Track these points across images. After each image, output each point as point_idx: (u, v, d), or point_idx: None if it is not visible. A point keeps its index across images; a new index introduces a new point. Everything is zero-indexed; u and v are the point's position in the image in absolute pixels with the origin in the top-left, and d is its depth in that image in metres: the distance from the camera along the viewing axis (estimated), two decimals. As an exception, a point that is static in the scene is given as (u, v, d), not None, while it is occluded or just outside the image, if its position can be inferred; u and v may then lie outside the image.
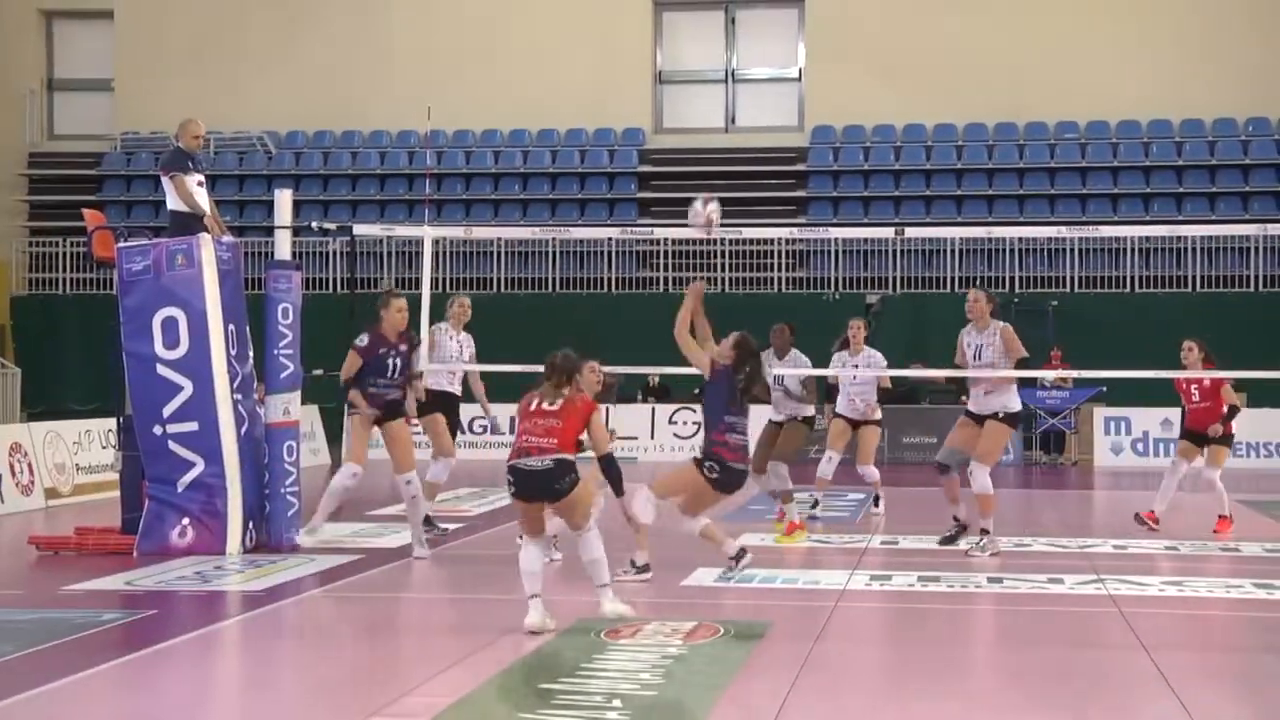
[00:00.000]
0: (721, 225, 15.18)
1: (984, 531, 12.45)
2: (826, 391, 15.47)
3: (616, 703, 7.27)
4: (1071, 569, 11.86)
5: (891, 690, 7.81)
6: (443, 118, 28.74)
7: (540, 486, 8.95)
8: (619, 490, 9.49)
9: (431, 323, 13.52)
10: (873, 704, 7.51)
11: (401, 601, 10.46)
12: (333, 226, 21.97)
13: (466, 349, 13.91)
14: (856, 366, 14.88)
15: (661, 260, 27.32)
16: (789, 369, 13.94)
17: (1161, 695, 7.54)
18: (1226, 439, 14.32)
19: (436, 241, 24.05)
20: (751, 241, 26.45)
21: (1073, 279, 26.22)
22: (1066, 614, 10.10)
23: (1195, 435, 14.38)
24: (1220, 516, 14.16)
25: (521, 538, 9.24)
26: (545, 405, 9.07)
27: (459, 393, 14.09)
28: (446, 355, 13.68)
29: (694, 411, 23.55)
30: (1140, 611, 9.92)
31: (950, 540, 12.83)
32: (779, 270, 27.04)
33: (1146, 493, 16.93)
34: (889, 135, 29.09)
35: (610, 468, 9.41)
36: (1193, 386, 14.33)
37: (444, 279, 26.30)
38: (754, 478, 12.80)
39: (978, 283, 26.08)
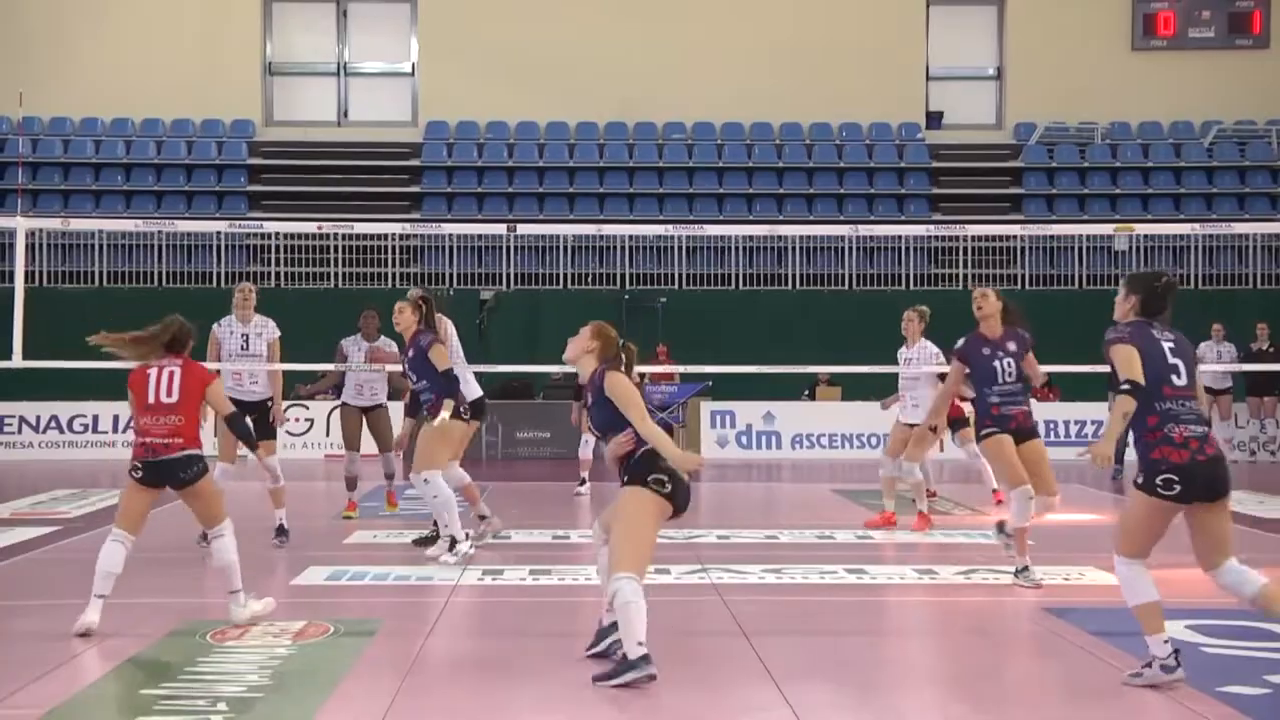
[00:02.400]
0: (333, 220, 15.16)
1: None
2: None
3: (221, 706, 7.11)
4: (678, 559, 12.18)
5: (499, 684, 7.87)
6: (38, 104, 27.51)
7: (166, 474, 8.99)
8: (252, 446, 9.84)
9: (25, 319, 12.92)
10: (481, 700, 7.55)
11: (-8, 610, 9.97)
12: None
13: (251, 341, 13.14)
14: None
15: (273, 255, 26.80)
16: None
17: (760, 680, 7.83)
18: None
19: (31, 233, 23.12)
20: (365, 237, 26.22)
21: (680, 276, 26.93)
22: (673, 603, 10.37)
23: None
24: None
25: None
26: (164, 398, 9.02)
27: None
28: (229, 350, 13.03)
29: (306, 408, 23.19)
30: (741, 599, 10.27)
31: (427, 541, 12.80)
32: (393, 266, 26.88)
33: (750, 484, 17.60)
34: (502, 132, 29.30)
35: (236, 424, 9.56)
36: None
37: (40, 272, 25.20)
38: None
39: (589, 279, 26.74)
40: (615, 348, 8.32)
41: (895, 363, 15.03)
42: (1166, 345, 7.56)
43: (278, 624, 8.98)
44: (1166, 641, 7.50)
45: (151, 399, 9.08)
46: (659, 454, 7.72)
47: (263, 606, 9.08)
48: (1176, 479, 7.34)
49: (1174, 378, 7.47)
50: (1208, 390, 23.72)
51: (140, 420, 9.12)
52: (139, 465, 9.11)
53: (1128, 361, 7.46)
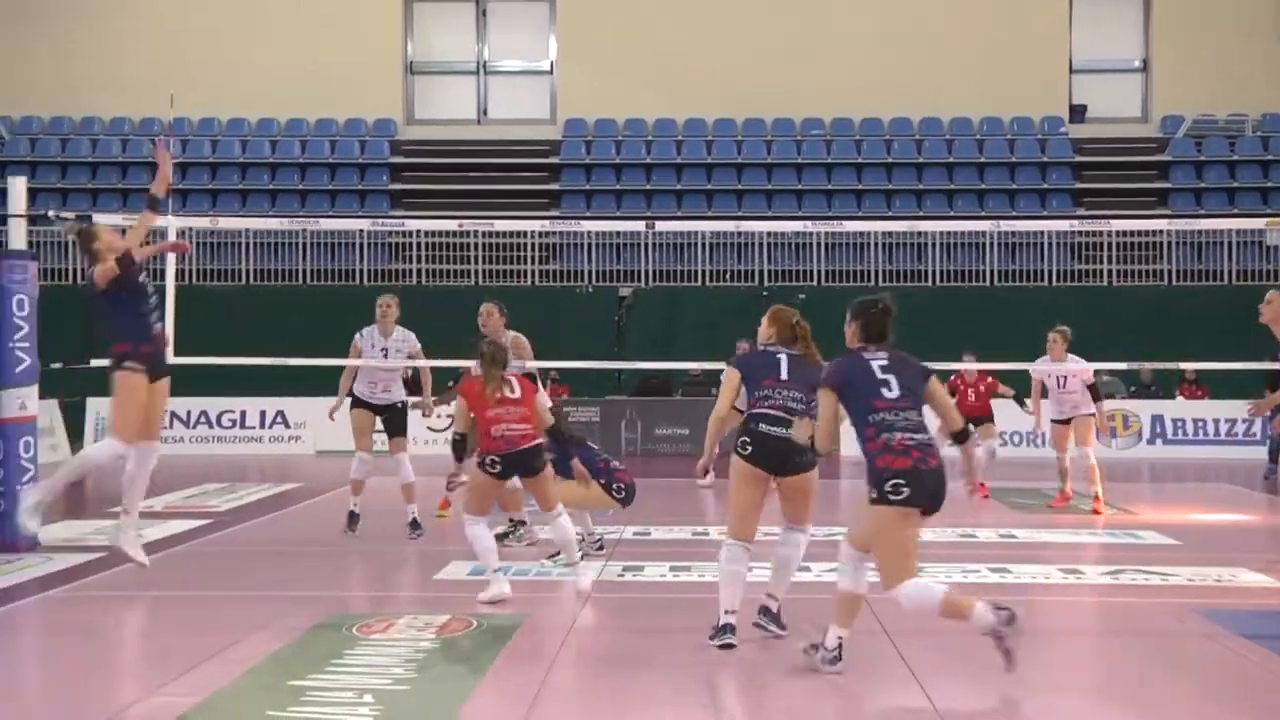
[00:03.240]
0: (474, 217, 15.36)
1: None
2: None
3: (368, 698, 7.20)
4: (820, 557, 12.11)
5: (641, 679, 7.88)
6: (187, 105, 28.11)
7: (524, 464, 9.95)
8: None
9: (176, 317, 13.21)
10: (623, 695, 7.57)
11: (145, 600, 10.17)
12: (71, 215, 21.31)
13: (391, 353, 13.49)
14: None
15: (413, 252, 27.12)
16: None
17: (903, 680, 7.76)
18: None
19: (181, 232, 23.60)
20: (504, 234, 26.43)
21: (819, 272, 26.79)
22: (813, 601, 10.30)
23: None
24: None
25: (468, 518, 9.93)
26: (507, 394, 9.89)
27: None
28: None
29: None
30: (883, 597, 10.17)
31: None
32: (531, 263, 27.06)
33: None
34: (640, 129, 29.37)
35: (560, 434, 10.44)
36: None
37: (189, 270, 25.72)
38: None
39: (728, 276, 26.72)
40: (789, 329, 8.86)
41: (1032, 359, 15.06)
42: (876, 364, 7.96)
43: (422, 618, 9.08)
44: (840, 639, 7.74)
45: (499, 396, 9.91)
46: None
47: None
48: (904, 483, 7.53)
49: (884, 390, 7.80)
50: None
51: (489, 418, 9.87)
52: (496, 459, 9.89)
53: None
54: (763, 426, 8.51)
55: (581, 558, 10.51)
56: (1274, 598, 10.46)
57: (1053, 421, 15.78)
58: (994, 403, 17.54)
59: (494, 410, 9.84)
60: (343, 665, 7.92)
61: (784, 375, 8.71)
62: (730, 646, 8.31)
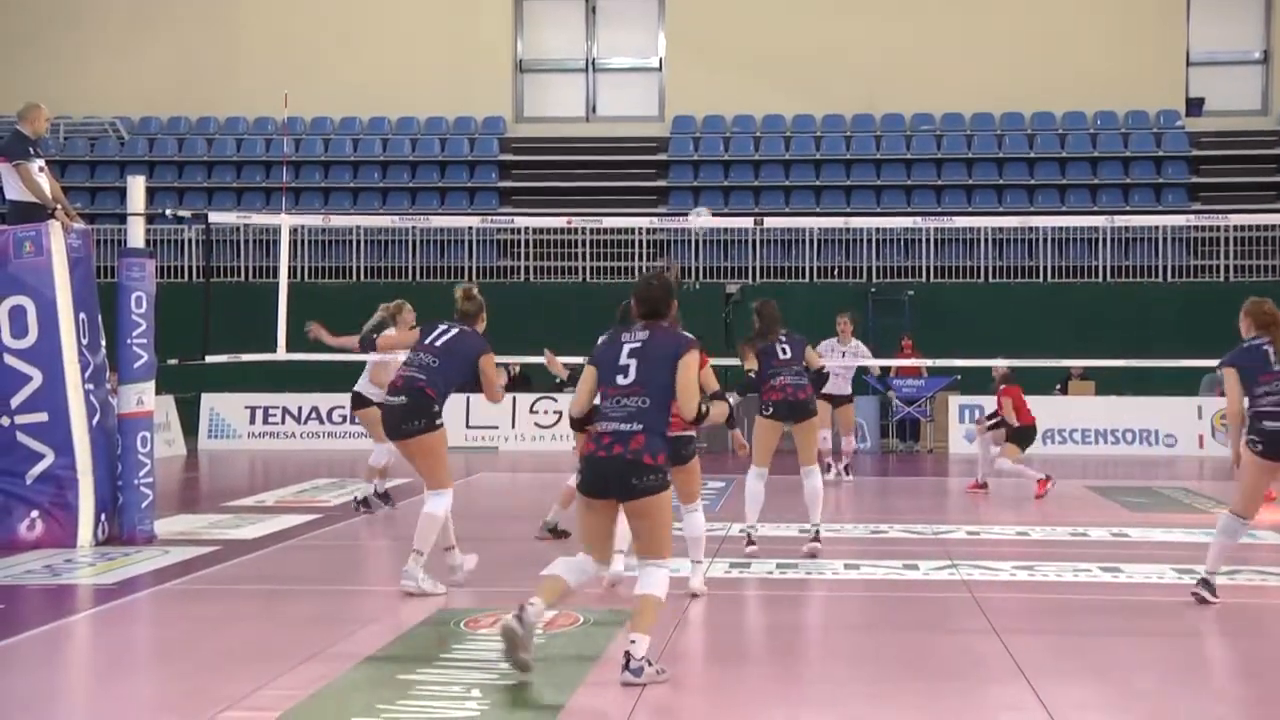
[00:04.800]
0: (582, 214, 15.46)
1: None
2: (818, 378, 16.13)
3: (475, 693, 7.25)
4: (927, 554, 12.05)
5: (746, 677, 7.87)
6: (300, 104, 28.45)
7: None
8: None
9: (288, 315, 13.40)
10: (732, 690, 7.56)
11: (258, 594, 10.32)
12: (187, 214, 21.72)
13: None
14: (843, 354, 17.86)
15: (522, 249, 27.27)
16: None
17: (1013, 678, 7.69)
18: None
19: (294, 230, 23.93)
20: (612, 231, 26.49)
21: (928, 269, 26.59)
22: (922, 599, 10.26)
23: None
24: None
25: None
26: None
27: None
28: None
29: (555, 400, 23.56)
30: (993, 596, 10.11)
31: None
32: (640, 260, 27.11)
33: (999, 479, 17.30)
34: (748, 126, 29.31)
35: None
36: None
37: (302, 268, 26.06)
38: None
39: (835, 272, 26.60)
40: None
41: (1148, 356, 14.73)
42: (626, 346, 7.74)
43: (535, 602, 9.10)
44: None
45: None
46: None
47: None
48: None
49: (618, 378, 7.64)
50: None
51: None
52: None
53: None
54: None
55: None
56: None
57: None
58: None
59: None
60: (451, 660, 7.98)
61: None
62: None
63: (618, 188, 28.26)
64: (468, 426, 23.21)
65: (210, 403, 24.04)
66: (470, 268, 27.00)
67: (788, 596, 10.31)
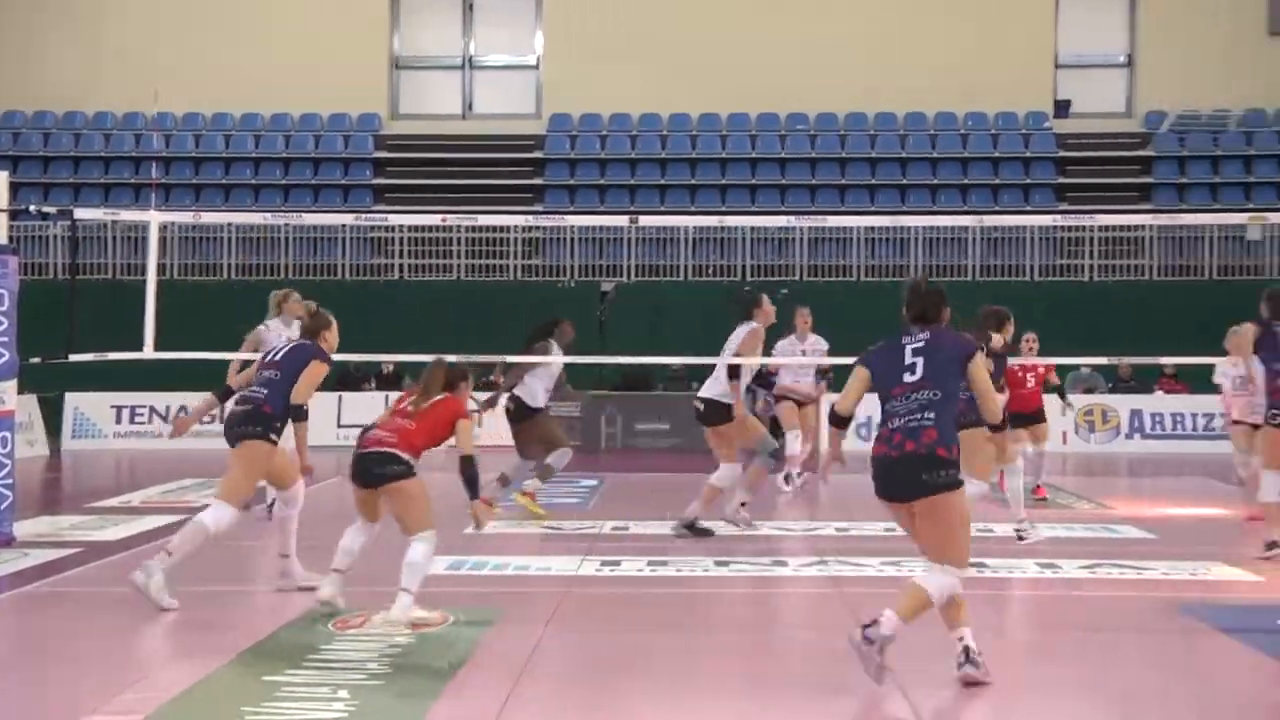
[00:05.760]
0: (457, 212, 15.47)
1: None
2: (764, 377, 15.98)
3: (343, 694, 7.21)
4: (796, 551, 12.17)
5: (620, 676, 7.90)
6: (171, 100, 28.03)
7: (361, 471, 9.13)
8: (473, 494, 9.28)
9: (157, 313, 13.20)
10: (601, 690, 7.59)
11: (121, 596, 10.16)
12: (53, 210, 21.24)
13: None
14: (804, 352, 16.42)
15: (396, 247, 27.10)
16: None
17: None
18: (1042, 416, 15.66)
19: (164, 227, 23.54)
20: (488, 229, 26.43)
21: (802, 267, 26.83)
22: (791, 595, 10.36)
23: (1023, 417, 15.07)
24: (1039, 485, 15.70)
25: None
26: (409, 405, 9.32)
27: None
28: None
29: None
30: (859, 591, 10.22)
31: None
32: (515, 258, 27.07)
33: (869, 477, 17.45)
34: (625, 124, 29.37)
35: (466, 468, 9.25)
36: (1028, 374, 15.20)
37: (172, 265, 25.68)
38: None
39: (710, 270, 26.74)
40: None
41: (1014, 354, 14.84)
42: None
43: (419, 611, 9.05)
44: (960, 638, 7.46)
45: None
46: None
47: (429, 614, 8.96)
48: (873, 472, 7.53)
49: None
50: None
51: None
52: None
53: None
54: None
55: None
56: (1248, 592, 10.51)
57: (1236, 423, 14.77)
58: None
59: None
60: (318, 660, 7.92)
61: None
62: None
63: (494, 185, 28.19)
64: (339, 425, 23.00)
65: (74, 402, 23.61)
66: (343, 265, 26.79)
67: (661, 595, 10.34)
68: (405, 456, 9.06)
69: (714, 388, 13.05)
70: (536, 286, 26.55)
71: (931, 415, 7.30)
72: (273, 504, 13.10)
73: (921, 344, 7.55)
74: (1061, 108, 29.55)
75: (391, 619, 8.78)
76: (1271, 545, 11.58)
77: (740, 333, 13.05)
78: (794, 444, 16.38)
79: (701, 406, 13.19)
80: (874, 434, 7.80)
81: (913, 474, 7.28)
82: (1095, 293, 25.81)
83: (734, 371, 12.83)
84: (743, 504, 13.19)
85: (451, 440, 9.35)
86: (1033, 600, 10.37)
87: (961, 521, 7.38)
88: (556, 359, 14.36)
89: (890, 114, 29.11)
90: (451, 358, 13.83)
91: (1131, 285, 26.01)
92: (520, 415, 14.29)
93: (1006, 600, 10.30)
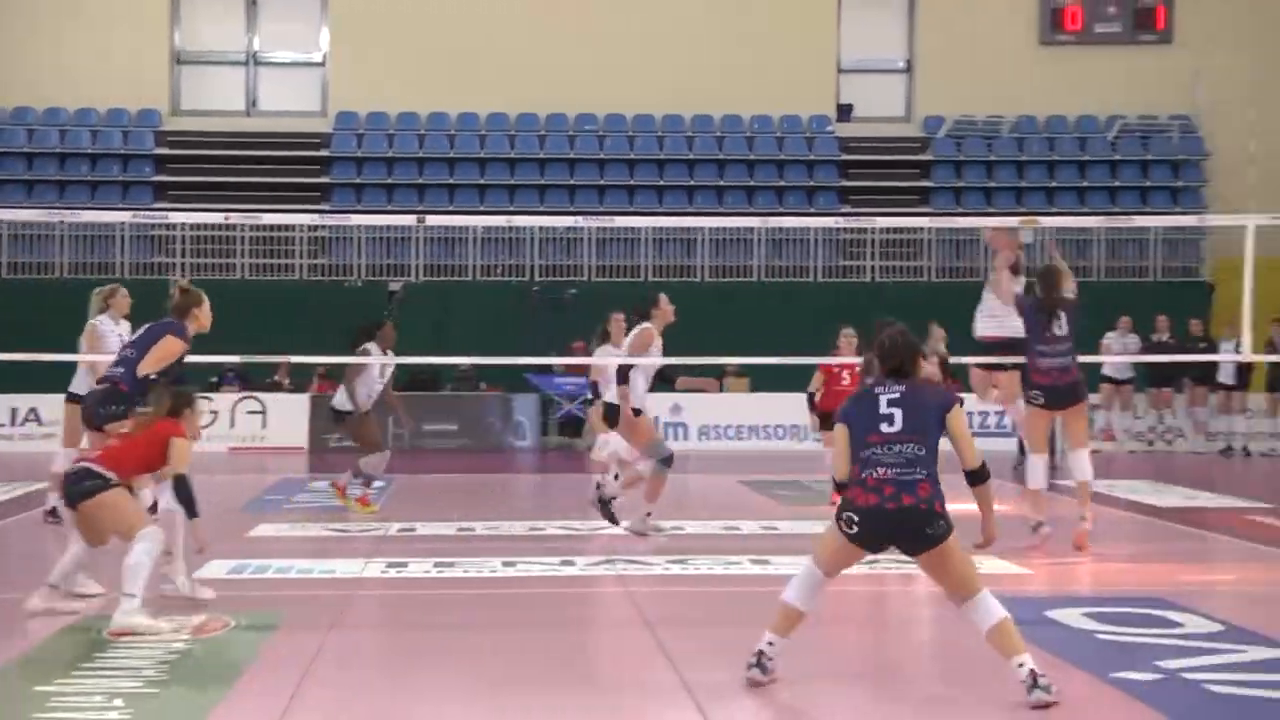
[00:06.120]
0: (241, 211, 15.29)
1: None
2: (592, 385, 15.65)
3: (118, 702, 7.04)
4: (584, 550, 12.21)
5: (406, 677, 7.85)
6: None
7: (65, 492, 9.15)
8: (191, 512, 9.14)
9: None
10: (386, 692, 7.53)
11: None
12: None
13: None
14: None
15: (178, 246, 26.52)
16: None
17: (664, 671, 7.86)
18: None
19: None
20: (273, 228, 26.04)
21: (590, 268, 26.95)
22: (578, 594, 10.40)
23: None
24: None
25: None
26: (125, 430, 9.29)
27: None
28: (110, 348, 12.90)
29: (209, 399, 22.98)
30: (646, 590, 10.31)
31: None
32: (301, 257, 26.70)
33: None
34: (413, 123, 29.13)
35: (179, 488, 9.12)
36: (845, 371, 15.10)
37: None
38: None
39: (499, 270, 26.72)
40: None
41: (802, 353, 15.05)
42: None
43: (176, 618, 8.89)
44: (770, 644, 7.45)
45: None
46: None
47: (145, 622, 8.64)
48: (857, 519, 7.35)
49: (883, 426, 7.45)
50: (1111, 381, 24.09)
51: None
52: None
53: None
54: None
55: None
56: (1017, 584, 10.85)
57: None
58: None
59: None
60: (92, 669, 7.72)
61: None
62: None
63: (279, 184, 27.73)
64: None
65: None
66: (122, 264, 26.12)
67: (446, 596, 10.30)
68: (101, 471, 8.94)
69: (609, 390, 13.24)
70: (323, 286, 26.23)
71: (924, 472, 7.35)
72: (53, 510, 12.78)
73: (898, 395, 7.50)
74: (844, 112, 30.12)
75: (115, 625, 8.57)
76: (1037, 526, 12.17)
77: (632, 334, 13.24)
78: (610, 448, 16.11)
79: (603, 409, 13.34)
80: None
81: (916, 529, 7.31)
82: (877, 292, 26.38)
83: (623, 374, 12.92)
84: (647, 514, 13.13)
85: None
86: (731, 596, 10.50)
87: (964, 558, 7.46)
88: (376, 360, 14.74)
89: (678, 116, 29.36)
90: (234, 359, 13.66)
91: (911, 286, 26.64)
92: (337, 418, 14.80)
93: (709, 596, 10.44)
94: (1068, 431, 12.63)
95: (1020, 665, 7.14)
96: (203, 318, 10.23)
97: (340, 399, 14.70)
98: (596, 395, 15.07)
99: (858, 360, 15.08)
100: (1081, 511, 12.14)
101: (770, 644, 7.41)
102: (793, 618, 7.47)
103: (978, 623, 7.32)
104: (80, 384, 13.12)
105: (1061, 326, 12.24)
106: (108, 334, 12.92)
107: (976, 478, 7.66)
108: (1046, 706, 7.01)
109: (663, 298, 13.38)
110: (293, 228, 26.20)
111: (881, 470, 7.30)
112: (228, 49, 29.80)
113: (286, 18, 29.90)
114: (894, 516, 7.27)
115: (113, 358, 10.87)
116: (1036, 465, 12.40)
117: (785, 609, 7.48)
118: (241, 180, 27.54)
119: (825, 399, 15.23)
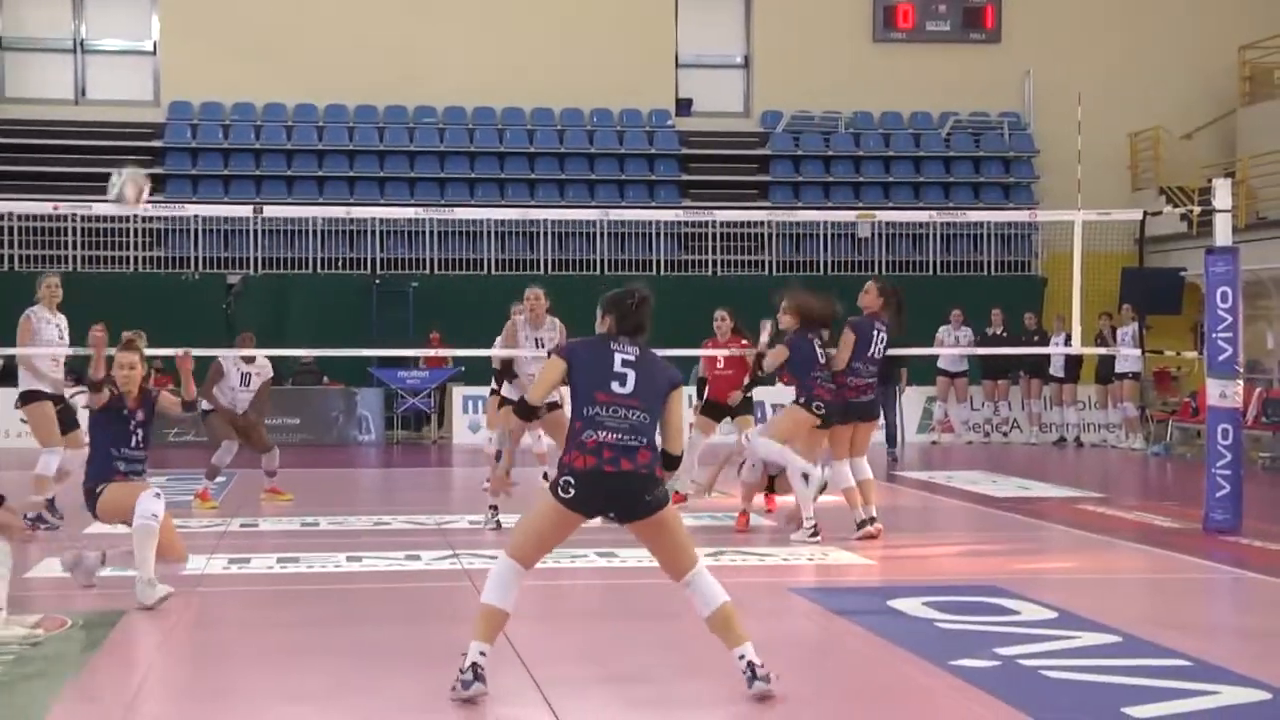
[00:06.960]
0: (71, 201, 15.01)
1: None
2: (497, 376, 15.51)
3: (-48, 706, 6.88)
4: (429, 545, 12.17)
5: (248, 674, 7.77)
6: None
7: None
8: None
9: None
10: (227, 689, 7.44)
11: None
12: None
13: (64, 331, 13.38)
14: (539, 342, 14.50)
15: (6, 237, 25.88)
16: None
17: (511, 665, 7.87)
18: (749, 406, 15.13)
19: None
20: (105, 218, 25.49)
21: (432, 260, 26.81)
22: (425, 589, 10.36)
23: (717, 407, 15.06)
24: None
25: None
26: None
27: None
28: (47, 339, 13.19)
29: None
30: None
31: None
32: (135, 249, 26.18)
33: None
34: (249, 114, 28.71)
35: None
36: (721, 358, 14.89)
37: None
38: None
39: (340, 263, 26.47)
40: None
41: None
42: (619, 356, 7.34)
43: (12, 618, 8.68)
44: (483, 654, 7.12)
45: None
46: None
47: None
48: (574, 483, 7.13)
49: (614, 385, 7.23)
50: (945, 374, 24.58)
51: None
52: None
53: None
54: None
55: None
56: (860, 575, 11.04)
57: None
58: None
59: None
60: (-74, 672, 7.53)
61: None
62: None
63: (110, 174, 27.06)
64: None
65: None
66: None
67: (290, 591, 10.20)
68: None
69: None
70: (160, 278, 25.77)
71: (645, 440, 7.16)
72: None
73: (633, 358, 7.29)
74: (683, 106, 30.31)
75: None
76: (862, 523, 12.44)
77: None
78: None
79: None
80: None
81: (635, 494, 7.11)
82: (718, 285, 26.58)
83: (505, 368, 13.17)
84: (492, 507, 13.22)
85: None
86: (658, 588, 10.59)
87: (682, 529, 7.33)
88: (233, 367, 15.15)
89: (518, 109, 29.31)
90: (65, 350, 13.40)
91: (752, 279, 26.90)
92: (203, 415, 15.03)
93: (631, 589, 10.53)
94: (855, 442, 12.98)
95: (741, 657, 7.11)
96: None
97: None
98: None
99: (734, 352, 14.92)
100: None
101: (482, 654, 7.09)
102: (498, 620, 7.19)
103: (698, 607, 7.25)
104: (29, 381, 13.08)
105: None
106: (46, 326, 13.19)
107: (671, 463, 7.41)
108: (768, 699, 6.99)
109: (527, 291, 13.71)
110: (127, 219, 25.66)
111: (603, 434, 7.09)
112: (54, 35, 29.08)
113: (115, 4, 29.28)
114: (612, 480, 7.06)
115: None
116: (841, 469, 12.78)
117: (488, 612, 7.17)
118: (71, 170, 26.88)
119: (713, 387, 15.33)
